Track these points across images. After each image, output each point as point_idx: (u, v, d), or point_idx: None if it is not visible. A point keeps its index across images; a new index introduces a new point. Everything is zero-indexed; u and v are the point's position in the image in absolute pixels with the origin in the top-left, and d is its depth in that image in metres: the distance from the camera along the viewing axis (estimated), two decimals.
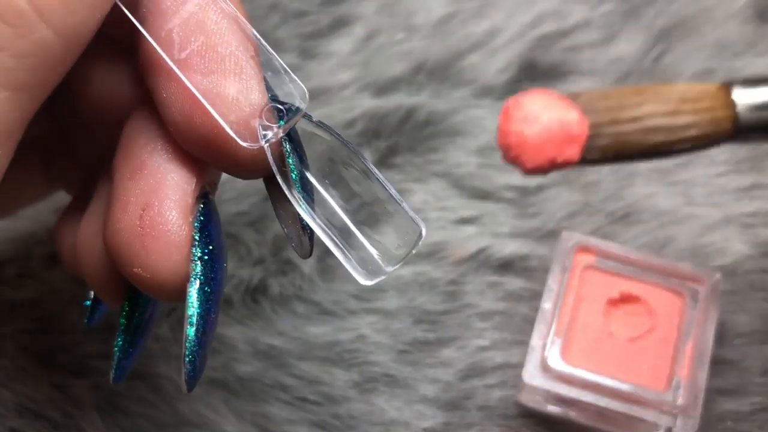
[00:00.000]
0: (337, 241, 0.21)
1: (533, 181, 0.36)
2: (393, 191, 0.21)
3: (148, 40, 0.21)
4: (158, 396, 0.33)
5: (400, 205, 0.21)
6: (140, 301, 0.25)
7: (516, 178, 0.36)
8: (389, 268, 0.21)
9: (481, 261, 0.35)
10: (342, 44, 0.39)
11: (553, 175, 0.36)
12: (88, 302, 0.27)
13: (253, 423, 0.33)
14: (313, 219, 0.21)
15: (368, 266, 0.21)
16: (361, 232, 0.21)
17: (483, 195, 0.36)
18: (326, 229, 0.21)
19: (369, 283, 0.21)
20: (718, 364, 0.32)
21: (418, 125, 0.37)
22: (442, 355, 0.34)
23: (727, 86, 0.21)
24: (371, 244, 0.21)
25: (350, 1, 0.39)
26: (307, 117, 0.22)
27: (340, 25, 0.39)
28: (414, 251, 0.21)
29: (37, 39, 0.19)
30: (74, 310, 0.34)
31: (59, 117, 0.22)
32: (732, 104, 0.21)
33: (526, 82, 0.38)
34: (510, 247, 0.35)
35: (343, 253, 0.21)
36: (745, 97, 0.21)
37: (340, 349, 0.34)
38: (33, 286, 0.35)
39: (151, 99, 0.22)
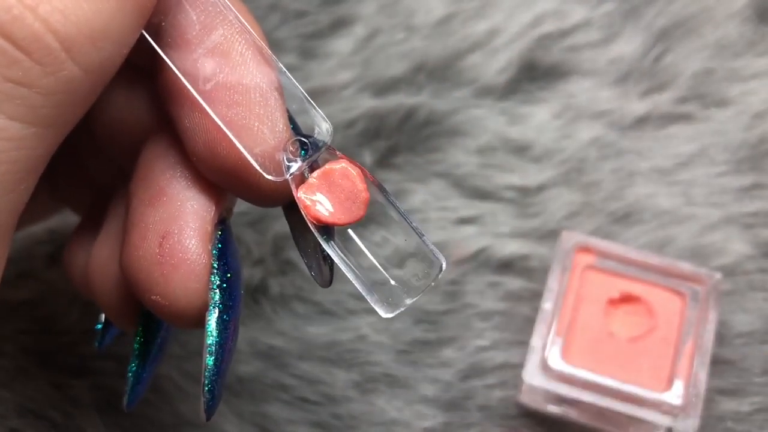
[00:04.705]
0: (357, 272, 0.21)
1: (534, 181, 0.36)
2: (414, 224, 0.22)
3: (170, 67, 0.21)
4: (159, 396, 0.33)
5: (420, 238, 0.21)
6: (153, 327, 0.24)
7: (516, 178, 0.36)
8: (409, 300, 0.21)
9: (481, 261, 0.35)
10: (342, 44, 0.39)
11: (554, 175, 0.36)
12: (99, 325, 0.27)
13: (254, 423, 0.33)
14: (335, 250, 0.21)
15: (388, 298, 0.21)
16: (381, 265, 0.21)
17: (483, 195, 0.36)
18: (347, 261, 0.21)
19: (389, 315, 0.21)
20: (718, 364, 0.32)
21: (418, 125, 0.37)
22: (442, 355, 0.34)
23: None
24: (391, 276, 0.21)
25: (350, 1, 0.39)
26: (330, 150, 0.22)
27: (340, 25, 0.39)
28: (434, 284, 0.21)
29: (64, 76, 0.18)
30: (74, 310, 0.34)
31: (72, 139, 0.22)
32: None
33: (526, 82, 0.38)
34: (510, 247, 0.35)
35: (364, 285, 0.21)
36: None
37: (341, 349, 0.34)
38: (33, 286, 0.35)
39: (169, 124, 0.22)
